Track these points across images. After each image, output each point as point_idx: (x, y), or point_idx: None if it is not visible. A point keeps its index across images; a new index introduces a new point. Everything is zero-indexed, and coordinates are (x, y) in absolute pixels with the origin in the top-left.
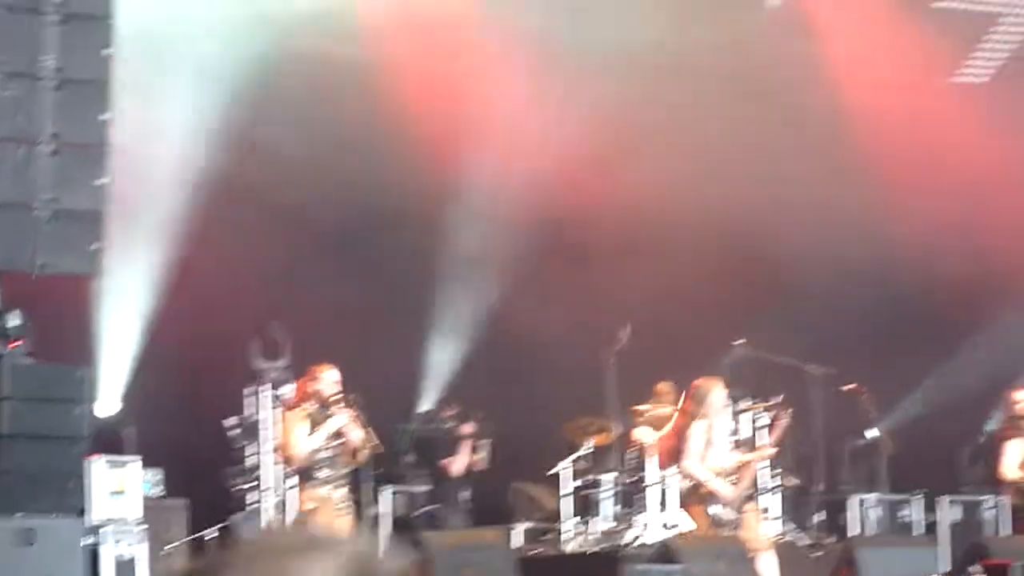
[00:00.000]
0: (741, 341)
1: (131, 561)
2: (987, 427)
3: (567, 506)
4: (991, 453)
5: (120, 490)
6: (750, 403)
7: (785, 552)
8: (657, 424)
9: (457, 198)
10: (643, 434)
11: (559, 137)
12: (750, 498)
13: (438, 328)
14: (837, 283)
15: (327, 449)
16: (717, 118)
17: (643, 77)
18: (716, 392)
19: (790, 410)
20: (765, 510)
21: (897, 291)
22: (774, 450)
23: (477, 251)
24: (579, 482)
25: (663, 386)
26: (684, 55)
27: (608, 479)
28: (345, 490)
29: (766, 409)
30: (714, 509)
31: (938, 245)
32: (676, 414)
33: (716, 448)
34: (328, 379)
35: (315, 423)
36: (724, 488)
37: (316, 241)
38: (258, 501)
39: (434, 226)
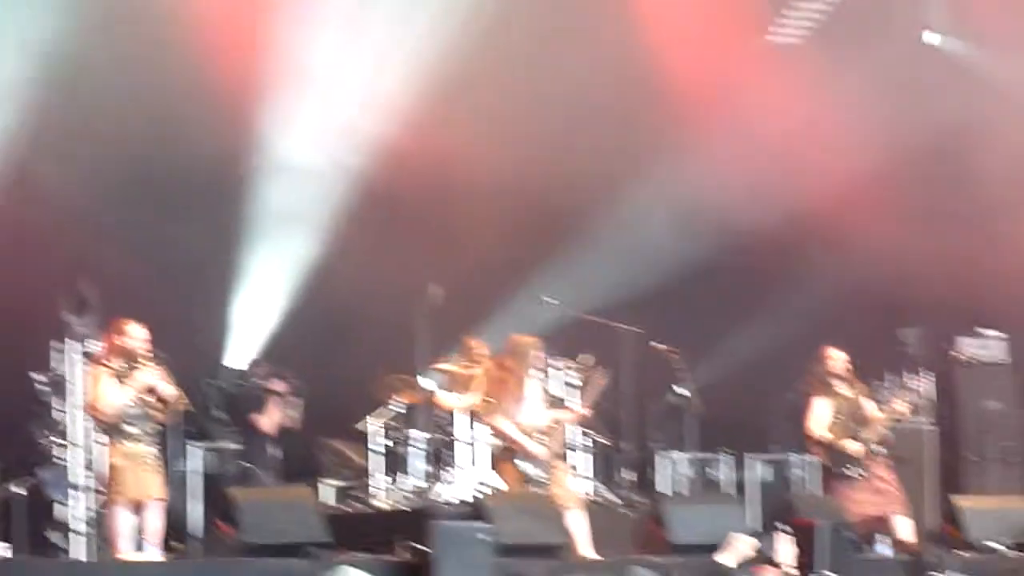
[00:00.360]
0: (552, 298)
1: None
2: (797, 385)
3: (376, 463)
4: (800, 411)
5: None
6: (563, 361)
7: (594, 510)
8: (463, 381)
9: (269, 151)
10: (446, 396)
11: (374, 89)
12: (560, 456)
13: (249, 284)
14: (648, 241)
15: (136, 405)
16: (527, 76)
17: (462, 31)
18: (529, 349)
19: (604, 370)
20: (575, 468)
21: (707, 248)
22: (587, 410)
23: (289, 206)
24: (389, 439)
25: (471, 343)
26: (504, 10)
27: (417, 436)
28: (154, 447)
29: (578, 368)
30: (524, 467)
31: (748, 202)
32: (487, 371)
33: (528, 406)
34: (135, 335)
35: (122, 379)
36: (534, 446)
37: (122, 194)
38: (65, 457)
39: (245, 181)
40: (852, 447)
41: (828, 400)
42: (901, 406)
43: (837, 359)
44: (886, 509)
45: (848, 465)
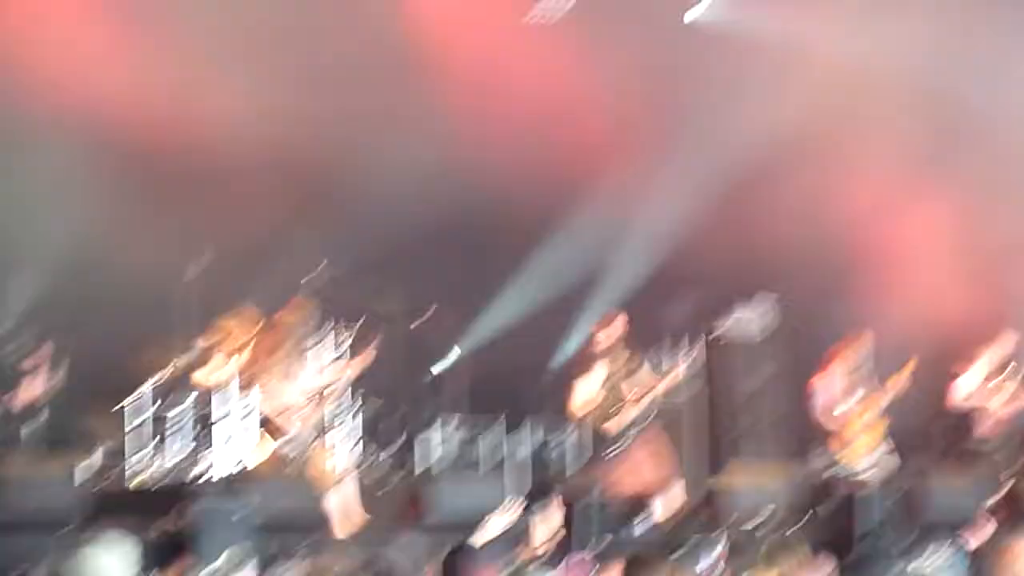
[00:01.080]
0: (320, 269)
1: None
2: (561, 357)
3: (136, 439)
4: (566, 385)
5: None
6: (329, 334)
7: (355, 486)
8: (225, 355)
9: (34, 121)
10: (205, 372)
11: (137, 61)
12: (322, 431)
13: (15, 255)
14: (412, 212)
15: None
16: (292, 47)
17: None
18: (297, 318)
19: (371, 341)
20: (336, 443)
21: (470, 217)
22: (351, 378)
23: (57, 177)
24: (151, 414)
25: (238, 314)
26: None
27: (179, 412)
28: None
29: (347, 336)
30: (284, 442)
31: (508, 177)
32: (251, 343)
33: (293, 378)
34: None
35: None
36: (295, 421)
37: None
38: None
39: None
40: (613, 424)
41: (592, 376)
42: (665, 379)
43: (608, 332)
44: (649, 485)
45: (610, 442)
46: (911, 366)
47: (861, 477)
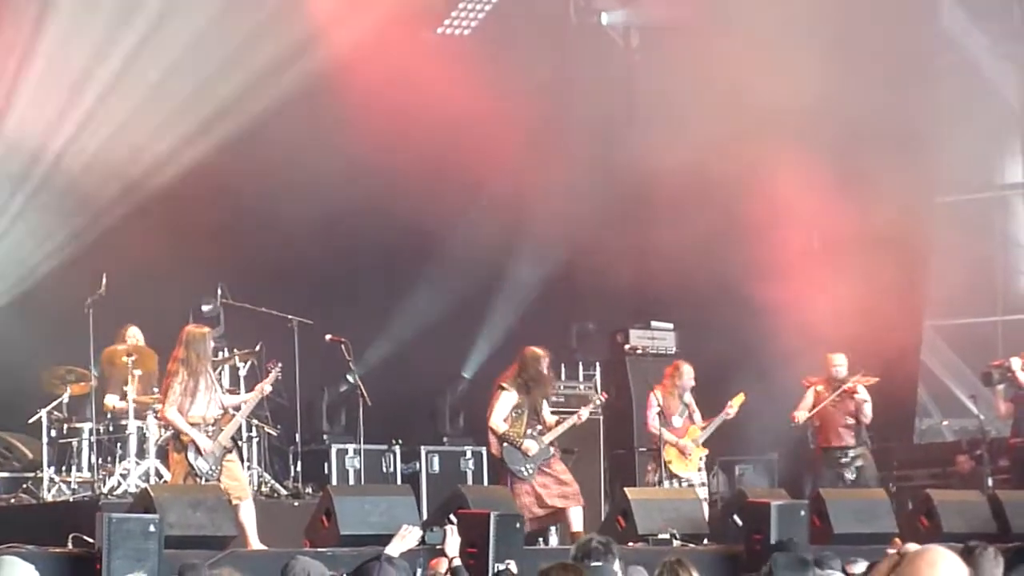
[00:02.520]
0: (220, 291)
1: None
2: (466, 374)
3: (46, 455)
4: (475, 401)
5: None
6: (233, 352)
7: (264, 502)
8: (127, 373)
9: None
10: (112, 393)
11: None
12: (231, 448)
13: None
14: (316, 233)
15: None
16: (197, 73)
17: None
18: (200, 339)
19: (279, 362)
20: (245, 460)
21: (369, 239)
22: (259, 398)
23: None
24: (58, 431)
25: (128, 333)
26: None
27: (88, 428)
28: None
29: (247, 358)
30: (193, 459)
31: (414, 195)
32: (159, 361)
33: (200, 397)
34: None
35: None
36: (203, 438)
37: None
38: None
39: None
40: (527, 444)
41: (512, 395)
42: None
43: (537, 358)
44: (558, 503)
45: (521, 461)
46: (740, 399)
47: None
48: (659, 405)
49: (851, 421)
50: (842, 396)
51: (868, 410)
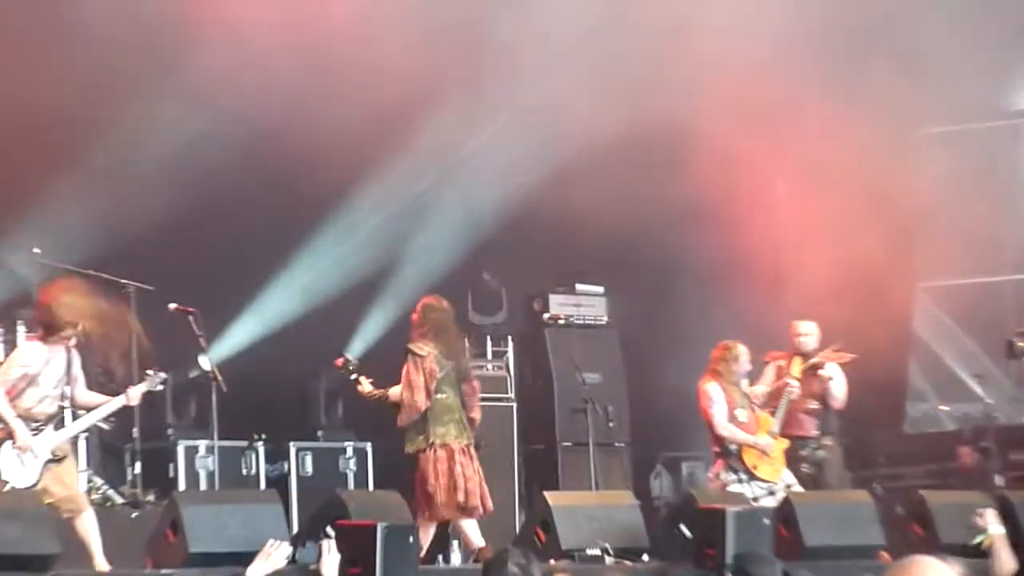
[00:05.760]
0: (38, 251)
1: None
2: (350, 355)
3: None
4: (352, 388)
5: None
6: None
7: (100, 512)
8: None
9: None
10: None
11: None
12: (64, 450)
13: None
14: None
15: None
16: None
17: None
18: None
19: (160, 372)
20: (71, 469)
21: (232, 185)
22: (115, 406)
23: None
24: None
25: None
26: None
27: None
28: None
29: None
30: (6, 460)
31: (292, 147)
32: None
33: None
34: None
35: None
36: (24, 432)
37: None
38: None
39: None
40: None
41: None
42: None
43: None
44: (461, 507)
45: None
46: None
47: (766, 499)
48: (723, 400)
49: (815, 405)
50: (805, 374)
51: (838, 391)
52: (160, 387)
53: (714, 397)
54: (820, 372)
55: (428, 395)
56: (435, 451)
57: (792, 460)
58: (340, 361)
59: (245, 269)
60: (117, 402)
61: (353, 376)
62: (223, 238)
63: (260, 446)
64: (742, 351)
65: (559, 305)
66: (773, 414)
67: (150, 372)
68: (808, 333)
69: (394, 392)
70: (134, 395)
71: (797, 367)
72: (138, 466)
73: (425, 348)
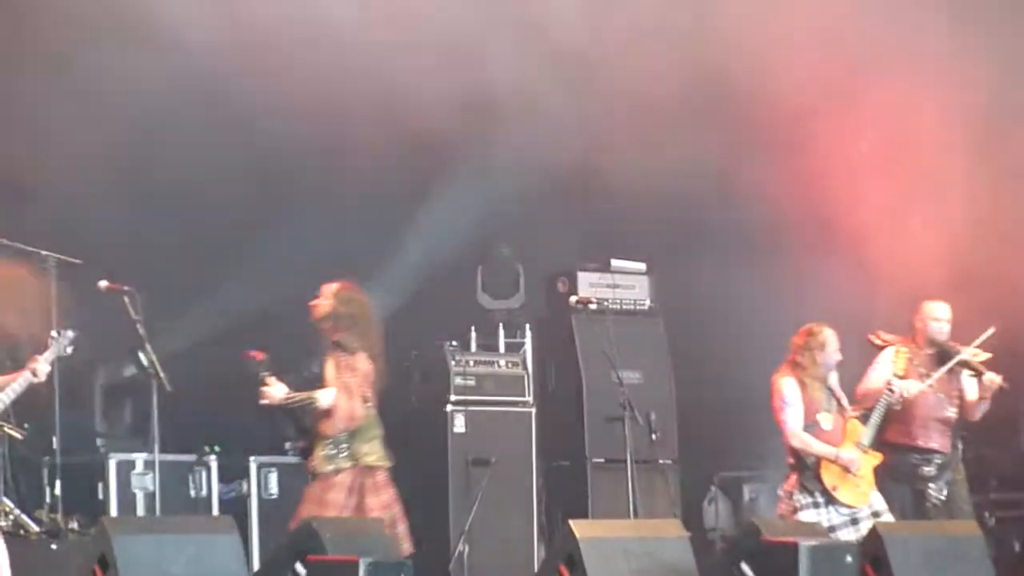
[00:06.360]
0: None
1: None
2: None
3: None
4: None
5: None
6: None
7: (9, 542)
8: None
9: None
10: None
11: None
12: None
13: None
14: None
15: None
16: None
17: None
18: None
19: (67, 330)
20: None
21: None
22: (20, 384)
23: None
24: None
25: None
26: None
27: None
28: None
29: None
30: None
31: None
32: None
33: None
34: None
35: None
36: None
37: None
38: None
39: None
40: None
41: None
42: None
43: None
44: None
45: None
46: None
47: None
48: (800, 401)
49: (951, 413)
50: (952, 372)
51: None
52: (70, 349)
53: (788, 397)
54: (981, 375)
55: (364, 402)
56: (355, 475)
57: (913, 480)
58: (260, 354)
59: (204, 242)
60: (22, 380)
61: (265, 373)
62: (177, 204)
63: (213, 461)
64: (829, 336)
65: (590, 285)
66: (864, 420)
67: (54, 334)
68: (941, 317)
69: (324, 396)
70: (41, 369)
71: (902, 362)
72: (58, 486)
73: (355, 344)
